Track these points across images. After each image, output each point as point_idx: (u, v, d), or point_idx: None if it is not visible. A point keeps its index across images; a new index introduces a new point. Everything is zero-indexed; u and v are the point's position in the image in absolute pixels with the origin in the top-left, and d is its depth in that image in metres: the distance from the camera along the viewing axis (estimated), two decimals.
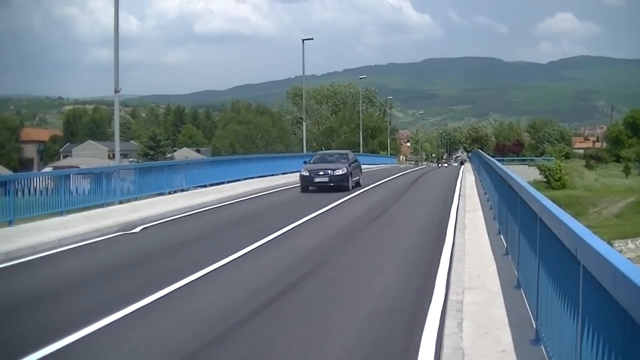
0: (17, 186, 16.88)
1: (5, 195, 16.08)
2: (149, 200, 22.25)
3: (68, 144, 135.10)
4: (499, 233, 12.70)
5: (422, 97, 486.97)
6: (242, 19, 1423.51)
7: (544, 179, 79.60)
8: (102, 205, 19.79)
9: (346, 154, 29.07)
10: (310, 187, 25.91)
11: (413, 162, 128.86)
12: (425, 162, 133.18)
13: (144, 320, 8.03)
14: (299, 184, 26.58)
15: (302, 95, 66.11)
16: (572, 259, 4.14)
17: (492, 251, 11.47)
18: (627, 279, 2.72)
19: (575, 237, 4.00)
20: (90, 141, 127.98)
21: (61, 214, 17.72)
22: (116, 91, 25.53)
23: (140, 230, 15.87)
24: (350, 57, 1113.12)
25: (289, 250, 12.94)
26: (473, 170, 39.82)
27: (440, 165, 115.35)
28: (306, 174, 26.40)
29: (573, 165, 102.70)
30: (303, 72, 52.77)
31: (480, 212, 17.50)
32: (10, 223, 15.57)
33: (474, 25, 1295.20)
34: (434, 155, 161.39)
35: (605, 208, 67.73)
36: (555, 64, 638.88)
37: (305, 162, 28.26)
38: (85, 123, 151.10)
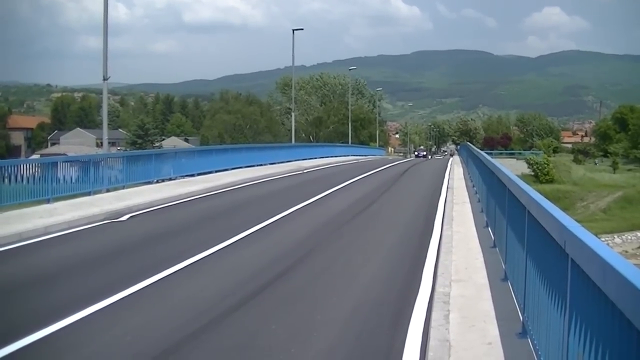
0: (3, 173, 16.71)
1: None
2: (136, 188, 22.10)
3: (56, 131, 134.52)
4: (487, 226, 12.71)
5: (411, 90, 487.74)
6: (231, 9, 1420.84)
7: (532, 173, 79.74)
8: (89, 194, 19.66)
9: None
10: None
11: (402, 154, 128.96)
12: (413, 154, 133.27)
13: (130, 309, 7.98)
14: (286, 174, 26.48)
15: (291, 86, 66.03)
16: (560, 252, 4.12)
17: (480, 244, 11.46)
18: (616, 272, 2.70)
19: (564, 230, 3.99)
20: (78, 129, 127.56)
21: (48, 201, 17.59)
22: (105, 79, 25.44)
23: (127, 219, 15.79)
24: (339, 49, 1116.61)
25: (276, 241, 12.88)
26: (462, 162, 39.87)
27: (418, 154, 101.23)
28: None
29: (561, 160, 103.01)
30: (293, 62, 52.75)
31: (468, 205, 17.52)
32: None
33: (462, 19, 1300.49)
34: (422, 147, 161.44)
35: (593, 203, 68.05)
36: (544, 58, 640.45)
37: None
38: (74, 111, 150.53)
